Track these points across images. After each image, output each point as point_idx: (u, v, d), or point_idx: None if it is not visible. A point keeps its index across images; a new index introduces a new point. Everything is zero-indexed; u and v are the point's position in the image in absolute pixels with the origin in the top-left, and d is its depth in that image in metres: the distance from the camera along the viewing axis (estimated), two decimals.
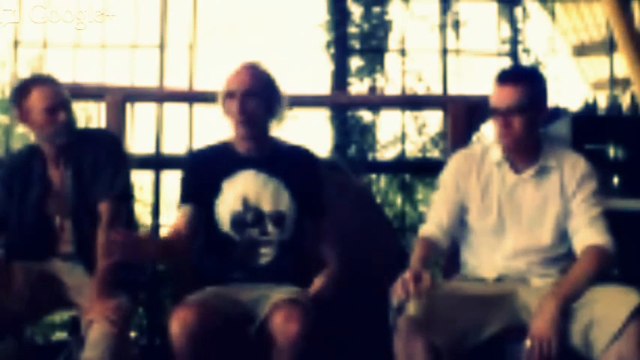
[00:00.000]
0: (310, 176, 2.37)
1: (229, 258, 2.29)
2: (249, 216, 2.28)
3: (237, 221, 2.28)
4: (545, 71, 4.63)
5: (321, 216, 2.37)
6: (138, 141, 3.61)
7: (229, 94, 2.27)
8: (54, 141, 2.36)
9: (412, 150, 4.69)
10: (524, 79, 2.13)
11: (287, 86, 2.39)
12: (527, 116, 2.10)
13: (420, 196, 4.67)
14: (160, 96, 3.56)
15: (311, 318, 2.04)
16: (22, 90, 2.33)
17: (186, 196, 2.32)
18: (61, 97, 2.34)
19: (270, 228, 2.29)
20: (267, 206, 2.29)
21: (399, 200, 4.57)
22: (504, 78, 2.14)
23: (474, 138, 3.20)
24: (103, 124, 3.19)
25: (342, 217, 2.52)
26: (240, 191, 2.28)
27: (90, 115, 4.93)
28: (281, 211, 2.30)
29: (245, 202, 2.29)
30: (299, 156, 2.39)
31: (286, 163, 2.33)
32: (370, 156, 4.56)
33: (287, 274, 2.28)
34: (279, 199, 2.30)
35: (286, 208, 2.30)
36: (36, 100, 2.30)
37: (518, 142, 2.14)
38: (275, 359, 2.02)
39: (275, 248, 2.29)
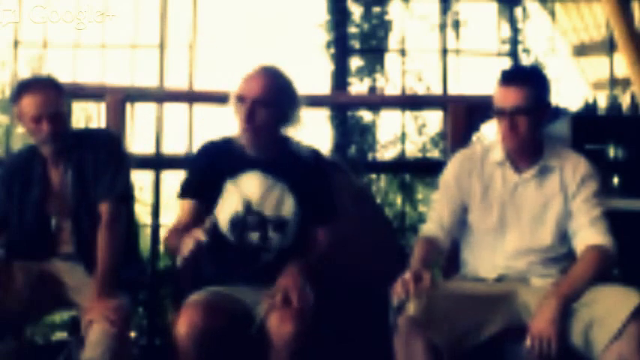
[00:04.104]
0: (319, 182, 2.31)
1: (227, 260, 2.26)
2: (250, 219, 2.24)
3: (237, 224, 2.24)
4: (545, 71, 4.62)
5: (330, 222, 2.30)
6: (138, 141, 3.61)
7: (240, 98, 2.20)
8: (43, 146, 2.36)
9: (412, 150, 4.69)
10: (530, 80, 2.12)
11: None
12: (533, 117, 2.10)
13: (420, 196, 4.66)
14: (160, 96, 3.56)
15: (306, 318, 2.02)
16: (16, 93, 2.32)
17: (189, 190, 2.27)
18: (48, 107, 2.27)
19: (272, 233, 2.24)
20: (269, 211, 2.24)
21: (399, 200, 4.57)
22: (509, 79, 2.12)
23: (474, 138, 3.20)
24: (103, 124, 3.19)
25: (342, 217, 2.51)
26: (243, 193, 2.24)
27: (90, 115, 4.93)
28: (283, 217, 2.25)
29: (247, 206, 2.24)
30: (308, 160, 2.32)
31: (294, 167, 2.27)
32: (370, 156, 4.55)
33: None
34: (284, 204, 2.25)
35: (290, 214, 2.25)
36: (24, 106, 2.28)
37: (524, 143, 2.13)
38: None
39: (275, 254, 2.25)
